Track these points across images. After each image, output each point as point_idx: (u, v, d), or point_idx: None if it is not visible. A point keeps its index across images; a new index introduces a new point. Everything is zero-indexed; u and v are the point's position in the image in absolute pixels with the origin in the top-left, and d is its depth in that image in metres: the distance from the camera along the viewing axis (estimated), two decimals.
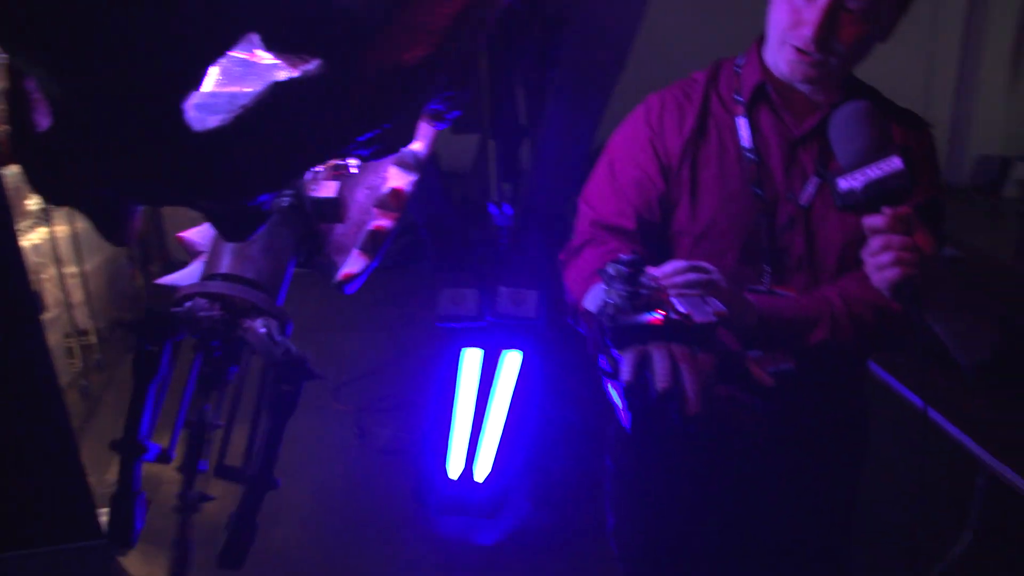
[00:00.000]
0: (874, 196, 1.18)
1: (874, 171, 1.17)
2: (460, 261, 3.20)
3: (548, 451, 3.27)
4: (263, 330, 0.85)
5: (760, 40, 1.54)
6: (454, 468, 3.05)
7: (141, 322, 0.77)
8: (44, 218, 4.16)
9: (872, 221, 1.18)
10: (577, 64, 2.64)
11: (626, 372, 0.98)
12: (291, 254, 0.95)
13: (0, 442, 3.04)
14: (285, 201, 0.94)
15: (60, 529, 3.17)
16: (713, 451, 1.61)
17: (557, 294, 3.37)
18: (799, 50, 1.39)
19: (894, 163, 1.17)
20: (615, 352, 1.02)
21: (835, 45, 1.37)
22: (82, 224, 4.51)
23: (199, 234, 1.06)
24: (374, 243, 0.97)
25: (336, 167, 1.05)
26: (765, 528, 1.69)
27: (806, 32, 1.36)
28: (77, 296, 4.44)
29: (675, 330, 1.01)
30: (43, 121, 0.74)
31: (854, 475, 1.72)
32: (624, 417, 1.05)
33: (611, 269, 1.08)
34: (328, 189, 0.97)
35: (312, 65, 0.74)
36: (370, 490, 3.33)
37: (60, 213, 4.30)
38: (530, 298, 3.00)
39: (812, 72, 1.41)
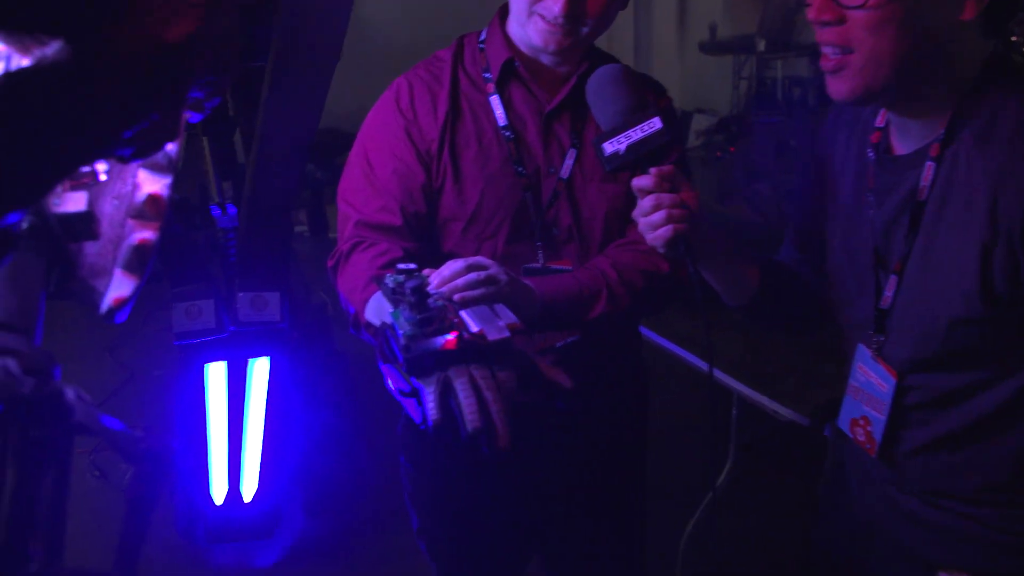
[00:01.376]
0: (640, 157, 1.19)
1: (636, 133, 1.19)
2: (190, 271, 2.95)
3: (314, 457, 3.13)
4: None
5: (502, 14, 1.52)
6: (218, 492, 2.83)
7: None
8: None
9: (640, 182, 1.20)
10: (293, 48, 2.50)
11: (432, 411, 0.94)
12: (40, 285, 0.79)
13: None
14: (25, 222, 0.77)
15: None
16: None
17: (297, 291, 3.23)
18: (548, 21, 1.39)
19: (655, 123, 1.19)
20: (415, 380, 0.98)
21: (583, 15, 1.39)
22: None
23: None
24: (140, 259, 0.83)
25: (79, 175, 0.89)
26: (566, 503, 1.70)
27: (554, 6, 1.36)
28: None
29: (471, 351, 0.99)
30: None
31: (642, 436, 1.78)
32: (416, 416, 1.00)
33: (389, 281, 1.04)
34: (76, 202, 0.81)
35: (50, 48, 0.60)
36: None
37: None
38: (272, 300, 2.85)
39: (565, 42, 1.41)
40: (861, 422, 1.37)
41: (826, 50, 1.17)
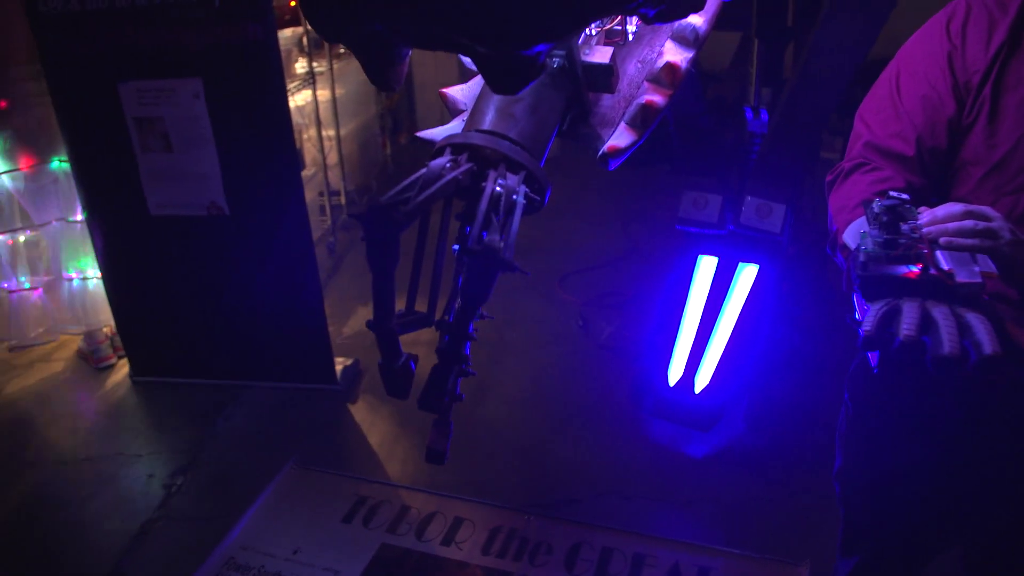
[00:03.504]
0: None
1: None
2: (707, 164, 3.05)
3: (769, 374, 3.13)
4: (496, 188, 0.79)
5: None
6: (674, 375, 2.99)
7: (367, 214, 0.74)
8: (309, 81, 4.38)
9: None
10: None
11: (868, 324, 0.88)
12: (556, 120, 0.90)
13: (257, 285, 3.32)
14: (556, 62, 0.87)
15: (300, 370, 3.45)
16: (965, 413, 1.43)
17: (805, 211, 3.16)
18: None
19: None
20: (862, 302, 0.93)
21: None
22: (342, 89, 4.73)
23: (461, 92, 1.02)
24: (644, 119, 0.90)
25: (611, 33, 0.98)
26: (1003, 501, 1.50)
27: None
28: (332, 158, 4.70)
29: (933, 288, 0.90)
30: None
31: None
32: (872, 356, 0.94)
33: (876, 206, 0.97)
34: (602, 55, 0.90)
35: None
36: (585, 381, 3.34)
37: (323, 78, 4.52)
38: (776, 211, 2.83)
39: None
40: None
41: None
